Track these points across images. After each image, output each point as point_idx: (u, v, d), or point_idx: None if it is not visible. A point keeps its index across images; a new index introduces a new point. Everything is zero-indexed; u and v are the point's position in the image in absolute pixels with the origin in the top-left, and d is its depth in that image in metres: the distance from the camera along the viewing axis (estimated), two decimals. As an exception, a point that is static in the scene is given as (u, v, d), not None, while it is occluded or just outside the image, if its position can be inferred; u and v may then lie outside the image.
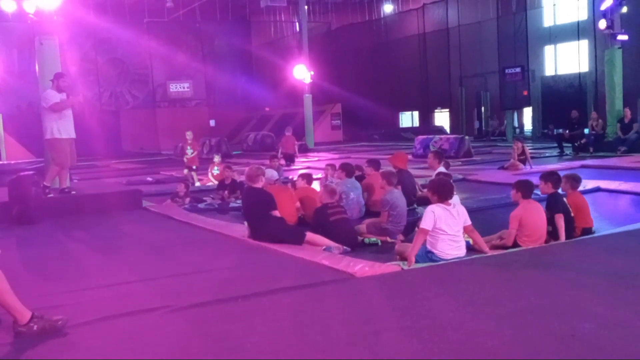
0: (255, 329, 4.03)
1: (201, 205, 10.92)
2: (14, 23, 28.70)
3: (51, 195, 9.98)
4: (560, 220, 6.49)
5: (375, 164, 10.04)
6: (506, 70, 27.01)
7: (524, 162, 14.55)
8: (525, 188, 6.58)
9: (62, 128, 9.87)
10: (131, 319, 4.36)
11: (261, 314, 4.34)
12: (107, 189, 11.57)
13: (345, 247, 6.83)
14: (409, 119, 37.99)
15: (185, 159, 16.36)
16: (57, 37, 11.09)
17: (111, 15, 32.42)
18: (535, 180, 7.18)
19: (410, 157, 18.65)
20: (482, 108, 30.35)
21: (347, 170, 9.64)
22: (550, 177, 6.92)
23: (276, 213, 7.12)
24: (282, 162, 17.71)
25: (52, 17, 10.80)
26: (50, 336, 4.01)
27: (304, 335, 3.89)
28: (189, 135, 16.57)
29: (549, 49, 29.16)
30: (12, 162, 18.81)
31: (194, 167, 16.07)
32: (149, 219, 9.47)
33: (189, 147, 16.23)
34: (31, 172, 10.33)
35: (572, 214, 6.78)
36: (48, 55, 10.82)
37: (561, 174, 7.35)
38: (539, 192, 7.19)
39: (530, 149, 14.41)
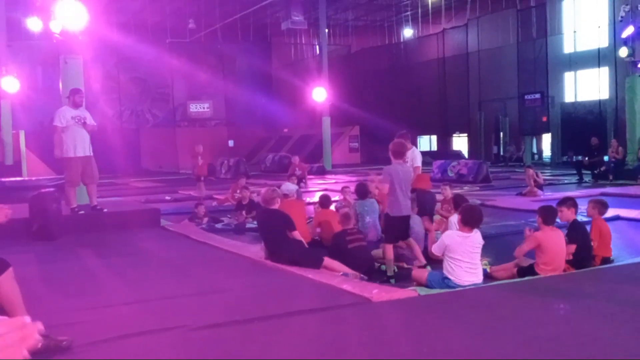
0: (272, 350, 4.03)
1: (218, 225, 10.97)
2: (40, 41, 29.18)
3: (82, 212, 9.98)
4: (570, 248, 6.52)
5: None
6: (526, 96, 26.96)
7: (541, 187, 14.49)
8: (546, 214, 6.55)
9: (76, 145, 9.66)
10: (148, 337, 4.39)
11: (277, 335, 4.35)
12: (126, 207, 11.66)
13: (362, 275, 6.74)
14: (427, 142, 37.97)
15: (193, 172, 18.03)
16: (81, 56, 11.29)
17: (134, 35, 32.84)
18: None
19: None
20: (501, 133, 30.24)
21: (360, 191, 9.21)
22: (569, 203, 6.90)
23: (295, 234, 7.05)
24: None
25: (77, 37, 11.00)
26: (64, 354, 4.02)
27: (321, 358, 3.89)
28: (198, 148, 17.73)
29: (569, 76, 29.08)
30: (33, 178, 19.01)
31: (202, 178, 16.89)
32: (167, 238, 9.52)
33: (199, 158, 17.09)
34: (52, 189, 10.43)
35: (595, 242, 6.79)
36: (72, 74, 11.01)
37: (579, 201, 7.31)
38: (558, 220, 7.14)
39: (548, 176, 14.26)
